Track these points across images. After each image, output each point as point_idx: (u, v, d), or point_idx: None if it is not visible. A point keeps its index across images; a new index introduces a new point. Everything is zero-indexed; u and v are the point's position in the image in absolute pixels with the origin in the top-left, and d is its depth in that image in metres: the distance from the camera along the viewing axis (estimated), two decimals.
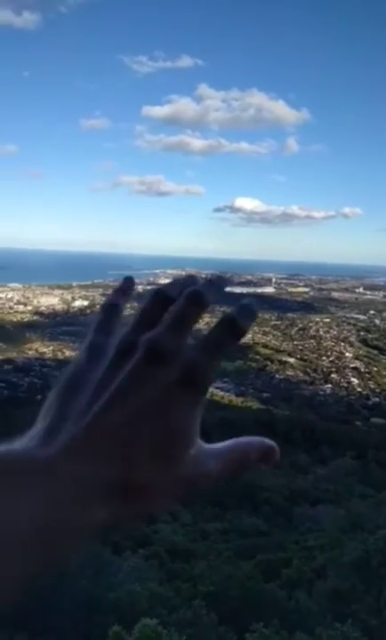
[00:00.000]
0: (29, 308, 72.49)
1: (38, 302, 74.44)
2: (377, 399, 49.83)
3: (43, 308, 73.07)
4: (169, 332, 0.35)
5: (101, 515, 0.32)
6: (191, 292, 0.36)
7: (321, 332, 67.13)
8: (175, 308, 0.36)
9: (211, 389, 0.46)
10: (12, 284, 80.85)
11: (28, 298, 75.67)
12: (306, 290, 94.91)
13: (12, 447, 0.33)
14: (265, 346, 62.15)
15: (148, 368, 0.33)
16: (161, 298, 0.38)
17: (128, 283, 0.46)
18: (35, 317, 69.59)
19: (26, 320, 67.90)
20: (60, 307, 74.65)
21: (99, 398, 0.33)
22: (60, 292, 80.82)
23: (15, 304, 72.57)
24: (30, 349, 57.81)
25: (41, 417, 0.35)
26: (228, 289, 0.39)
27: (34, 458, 0.31)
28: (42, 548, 0.30)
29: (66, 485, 0.30)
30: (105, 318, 0.40)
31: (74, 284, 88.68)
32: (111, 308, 0.42)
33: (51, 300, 75.87)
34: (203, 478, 0.36)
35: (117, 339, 0.36)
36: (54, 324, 68.00)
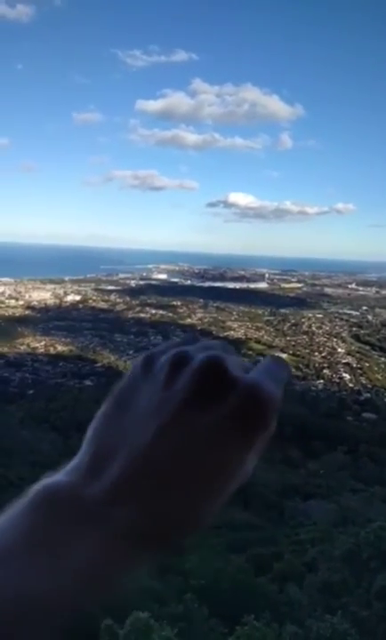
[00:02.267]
0: (21, 302, 72.05)
1: (30, 297, 74.00)
2: (369, 395, 50.16)
3: (35, 302, 72.64)
4: (228, 356, 0.32)
5: (142, 556, 0.31)
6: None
7: (314, 328, 67.37)
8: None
9: None
10: (4, 279, 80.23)
11: (19, 292, 75.19)
12: (299, 285, 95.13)
13: (59, 480, 0.31)
14: (258, 341, 62.31)
15: (207, 390, 0.30)
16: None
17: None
18: (26, 312, 69.17)
19: (17, 315, 67.48)
20: (52, 301, 74.26)
21: (150, 425, 0.30)
22: (53, 286, 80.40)
23: (7, 298, 72.07)
24: (22, 344, 57.50)
25: (88, 438, 0.32)
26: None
27: (81, 497, 0.29)
28: (79, 594, 0.28)
29: (109, 532, 0.29)
30: (180, 341, 0.36)
31: (66, 278, 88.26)
32: (191, 339, 0.37)
33: (43, 295, 75.46)
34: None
35: (172, 352, 0.33)
36: (46, 319, 67.65)
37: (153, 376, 0.32)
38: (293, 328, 67.55)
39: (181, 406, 0.30)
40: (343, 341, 63.48)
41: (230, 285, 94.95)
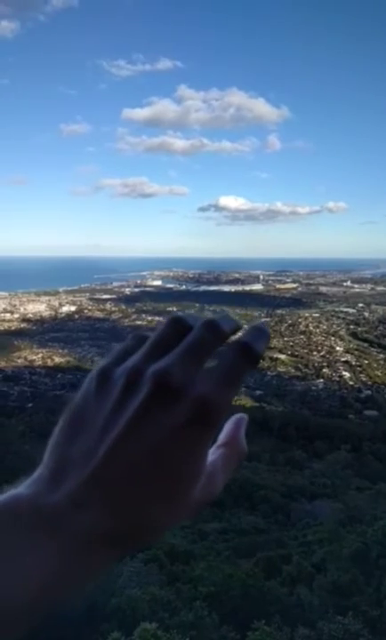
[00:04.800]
0: (16, 315, 71.93)
1: (25, 309, 73.88)
2: (369, 392, 50.20)
3: (30, 315, 72.55)
4: (180, 363, 0.32)
5: (106, 561, 0.32)
6: (208, 321, 0.35)
7: (311, 328, 67.47)
8: (190, 336, 0.34)
9: None
10: None
11: (14, 305, 75.07)
12: (294, 285, 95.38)
13: (19, 493, 0.31)
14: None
15: (155, 405, 0.31)
16: (178, 325, 0.35)
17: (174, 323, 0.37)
18: (22, 325, 69.05)
19: (13, 328, 67.33)
20: (47, 313, 74.17)
21: (104, 439, 0.31)
22: (47, 298, 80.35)
23: (2, 312, 71.93)
24: (19, 357, 57.30)
25: (47, 454, 0.33)
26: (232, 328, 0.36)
27: (39, 507, 0.30)
28: (43, 601, 0.29)
29: (70, 539, 0.30)
30: (129, 347, 0.37)
31: (60, 289, 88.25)
32: (139, 339, 0.37)
33: (38, 307, 75.35)
34: (209, 498, 0.35)
35: (126, 366, 0.34)
36: (42, 331, 67.54)
37: (107, 392, 0.33)
38: (291, 328, 67.63)
39: (135, 418, 0.31)
40: (341, 339, 63.58)
41: (226, 288, 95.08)
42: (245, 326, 0.36)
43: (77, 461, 0.31)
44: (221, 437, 0.38)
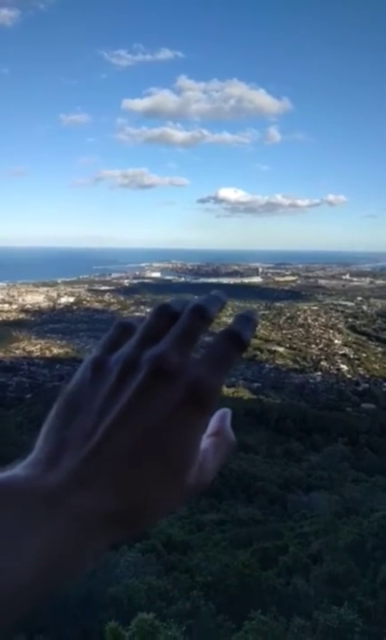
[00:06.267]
0: (15, 306, 71.83)
1: (24, 300, 73.78)
2: (367, 385, 50.38)
3: (28, 305, 72.46)
4: (174, 348, 0.34)
5: (105, 542, 0.32)
6: (195, 306, 0.36)
7: (309, 320, 67.56)
8: (179, 322, 0.36)
9: None
10: None
11: (12, 296, 74.93)
12: (293, 278, 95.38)
13: (14, 474, 0.31)
14: (254, 335, 62.28)
15: (153, 387, 0.33)
16: (166, 313, 0.37)
17: (159, 315, 0.38)
18: (21, 316, 68.98)
19: (11, 319, 67.29)
20: (45, 304, 74.09)
21: (102, 420, 0.32)
22: (46, 289, 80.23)
23: (0, 303, 71.82)
24: (17, 348, 57.34)
25: (42, 438, 0.34)
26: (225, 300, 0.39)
27: (37, 488, 0.30)
28: (44, 583, 0.29)
29: (70, 518, 0.30)
30: (115, 335, 0.38)
31: (59, 280, 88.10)
32: (124, 326, 0.38)
33: (36, 298, 75.24)
34: (202, 484, 0.36)
35: (121, 354, 0.35)
36: (41, 322, 67.53)
37: (102, 379, 0.34)
38: (289, 321, 67.70)
39: (133, 400, 0.32)
40: (340, 333, 63.68)
41: (224, 281, 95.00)
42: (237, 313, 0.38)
43: (75, 442, 0.32)
44: (209, 428, 0.39)
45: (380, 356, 57.60)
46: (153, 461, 0.32)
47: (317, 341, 61.78)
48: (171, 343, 0.34)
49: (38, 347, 57.71)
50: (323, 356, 57.87)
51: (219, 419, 0.40)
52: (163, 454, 0.32)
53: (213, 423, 0.40)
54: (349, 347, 60.02)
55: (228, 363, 0.35)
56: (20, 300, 73.78)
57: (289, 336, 63.41)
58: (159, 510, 0.34)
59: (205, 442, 0.38)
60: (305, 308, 72.81)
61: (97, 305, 75.06)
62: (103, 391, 0.33)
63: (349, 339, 62.33)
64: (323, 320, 67.64)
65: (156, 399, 0.32)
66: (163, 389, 0.32)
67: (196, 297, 0.38)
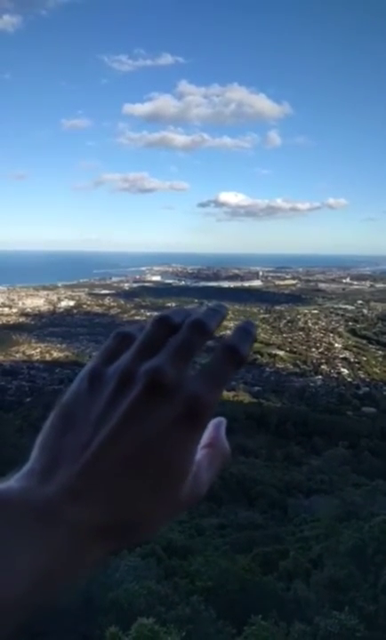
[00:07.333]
0: (15, 310, 71.84)
1: (24, 304, 73.79)
2: (367, 388, 50.29)
3: (28, 309, 72.46)
4: (171, 362, 0.34)
5: (99, 554, 0.32)
6: (195, 321, 0.36)
7: (310, 324, 67.54)
8: (178, 336, 0.35)
9: None
10: None
11: (12, 300, 74.97)
12: (293, 282, 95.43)
13: (9, 486, 0.31)
14: (254, 339, 62.40)
15: (148, 401, 0.32)
16: (165, 324, 0.36)
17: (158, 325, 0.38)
18: (21, 319, 68.97)
19: (11, 322, 67.26)
20: (45, 308, 74.09)
21: (98, 433, 0.32)
22: (46, 292, 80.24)
23: (0, 306, 71.83)
24: (17, 352, 57.27)
25: (37, 448, 0.33)
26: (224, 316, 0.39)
27: (31, 500, 0.30)
28: (37, 595, 0.29)
29: (64, 531, 0.30)
30: (113, 345, 0.37)
31: (59, 284, 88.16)
32: (123, 336, 0.38)
33: (36, 302, 75.26)
34: (197, 496, 0.35)
35: (118, 366, 0.35)
36: (41, 326, 67.49)
37: (99, 390, 0.34)
38: (289, 325, 67.67)
39: (129, 413, 0.32)
40: (340, 336, 63.63)
41: (225, 284, 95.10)
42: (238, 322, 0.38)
43: (71, 454, 0.32)
44: (204, 439, 0.38)
45: (380, 359, 57.52)
46: (147, 475, 0.32)
47: (318, 345, 61.72)
48: (168, 357, 0.34)
49: (38, 350, 57.64)
50: (323, 360, 57.80)
51: (214, 429, 0.40)
52: (157, 468, 0.32)
53: (208, 433, 0.40)
54: (350, 350, 59.96)
55: (225, 378, 0.34)
56: (20, 303, 73.81)
57: (289, 340, 63.35)
58: (153, 523, 0.34)
59: (200, 453, 0.37)
60: (305, 311, 72.82)
61: (97, 309, 75.07)
62: (99, 403, 0.33)
63: (350, 342, 62.28)
64: (323, 323, 67.63)
65: (151, 413, 0.32)
66: (158, 404, 0.32)
67: (196, 306, 0.38)
